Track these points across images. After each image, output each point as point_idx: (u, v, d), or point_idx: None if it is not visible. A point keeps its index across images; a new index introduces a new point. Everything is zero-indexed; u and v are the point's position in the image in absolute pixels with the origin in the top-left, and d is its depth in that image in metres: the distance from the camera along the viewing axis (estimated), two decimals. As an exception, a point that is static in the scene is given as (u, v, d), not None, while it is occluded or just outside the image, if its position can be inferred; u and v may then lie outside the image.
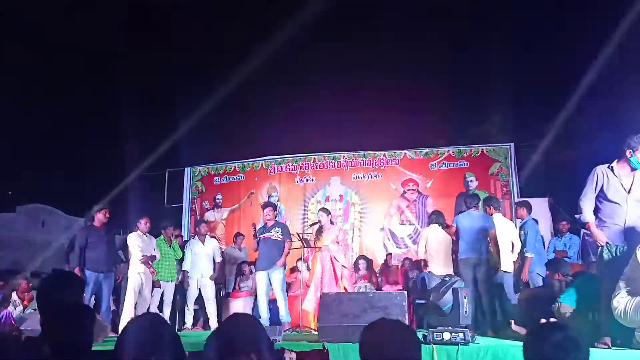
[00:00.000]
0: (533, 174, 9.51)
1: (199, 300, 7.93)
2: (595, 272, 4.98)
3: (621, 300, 4.02)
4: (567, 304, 4.84)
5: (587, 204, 4.48)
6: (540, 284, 6.59)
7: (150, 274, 7.21)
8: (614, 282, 4.12)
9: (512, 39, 8.98)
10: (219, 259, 8.11)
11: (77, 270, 6.45)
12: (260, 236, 7.11)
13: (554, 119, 9.06)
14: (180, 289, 8.01)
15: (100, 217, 6.88)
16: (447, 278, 6.43)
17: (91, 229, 6.89)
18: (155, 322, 2.02)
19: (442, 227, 6.90)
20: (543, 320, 4.58)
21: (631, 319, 3.96)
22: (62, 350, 2.24)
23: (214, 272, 7.94)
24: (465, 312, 4.49)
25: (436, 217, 7.11)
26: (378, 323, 2.08)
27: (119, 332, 2.07)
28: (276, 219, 7.34)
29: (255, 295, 8.71)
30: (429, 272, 6.77)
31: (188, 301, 7.78)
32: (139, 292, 7.13)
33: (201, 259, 7.86)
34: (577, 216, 4.56)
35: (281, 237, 7.04)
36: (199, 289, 7.85)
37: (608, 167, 4.45)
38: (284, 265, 7.19)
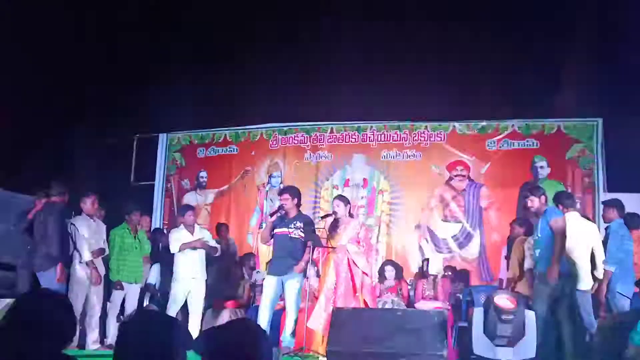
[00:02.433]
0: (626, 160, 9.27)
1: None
2: None
3: None
4: None
5: None
6: (626, 307, 6.60)
7: (95, 277, 7.27)
8: None
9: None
10: (217, 254, 8.14)
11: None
12: (275, 231, 7.13)
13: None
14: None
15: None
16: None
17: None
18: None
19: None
20: None
21: None
22: None
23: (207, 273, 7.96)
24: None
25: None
26: (225, 326, 2.26)
27: None
28: (299, 209, 7.31)
29: (248, 307, 8.75)
30: None
31: (170, 309, 7.59)
32: (86, 297, 7.20)
33: (191, 255, 7.76)
34: None
35: (302, 235, 7.02)
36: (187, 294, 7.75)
37: None
38: (304, 271, 7.14)
